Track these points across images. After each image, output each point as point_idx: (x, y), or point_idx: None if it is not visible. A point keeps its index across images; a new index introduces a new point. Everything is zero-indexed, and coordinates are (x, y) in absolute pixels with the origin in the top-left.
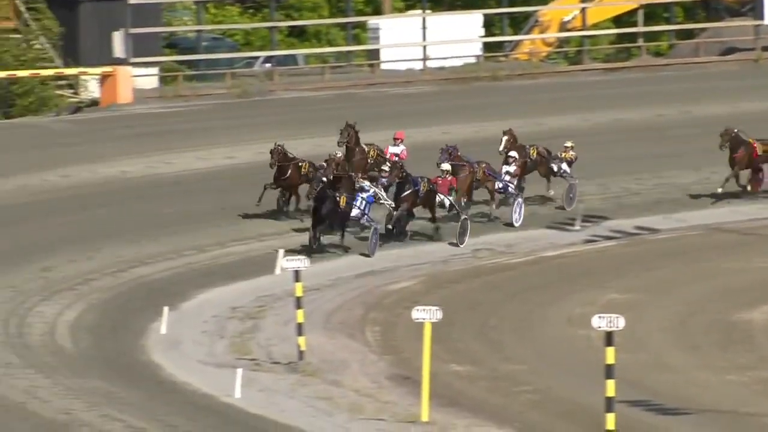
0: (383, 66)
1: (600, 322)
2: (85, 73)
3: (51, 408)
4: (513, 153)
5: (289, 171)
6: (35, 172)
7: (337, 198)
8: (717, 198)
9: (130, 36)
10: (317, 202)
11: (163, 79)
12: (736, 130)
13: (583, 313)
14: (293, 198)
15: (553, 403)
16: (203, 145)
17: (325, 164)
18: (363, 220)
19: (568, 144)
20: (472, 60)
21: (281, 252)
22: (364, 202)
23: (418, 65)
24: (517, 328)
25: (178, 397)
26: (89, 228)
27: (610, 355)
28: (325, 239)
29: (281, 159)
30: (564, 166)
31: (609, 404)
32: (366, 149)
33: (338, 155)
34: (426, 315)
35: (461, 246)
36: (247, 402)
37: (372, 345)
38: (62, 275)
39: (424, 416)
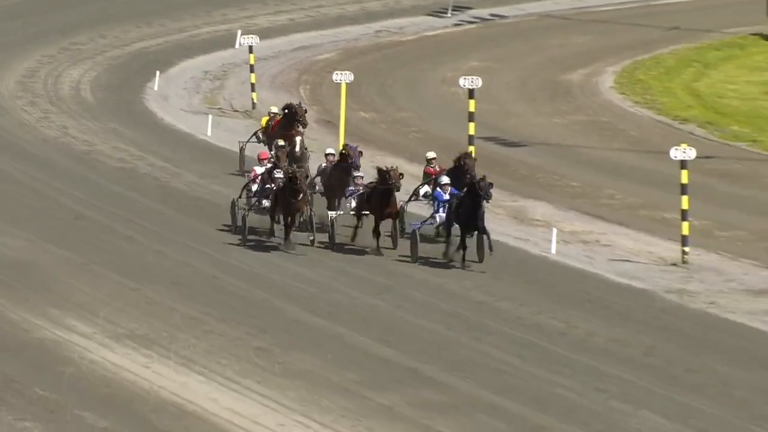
0: None
1: (464, 82)
2: None
3: (77, 142)
4: (280, 142)
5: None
6: None
7: None
8: None
9: None
10: (478, 208)
11: None
12: None
13: (453, 75)
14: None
15: (432, 140)
16: None
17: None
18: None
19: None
20: None
21: (240, 31)
22: None
23: None
24: (407, 87)
25: (167, 134)
26: (101, 14)
27: (472, 106)
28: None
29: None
30: None
31: (470, 140)
32: None
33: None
34: (342, 77)
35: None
36: (216, 138)
37: (304, 98)
38: (85, 47)
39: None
